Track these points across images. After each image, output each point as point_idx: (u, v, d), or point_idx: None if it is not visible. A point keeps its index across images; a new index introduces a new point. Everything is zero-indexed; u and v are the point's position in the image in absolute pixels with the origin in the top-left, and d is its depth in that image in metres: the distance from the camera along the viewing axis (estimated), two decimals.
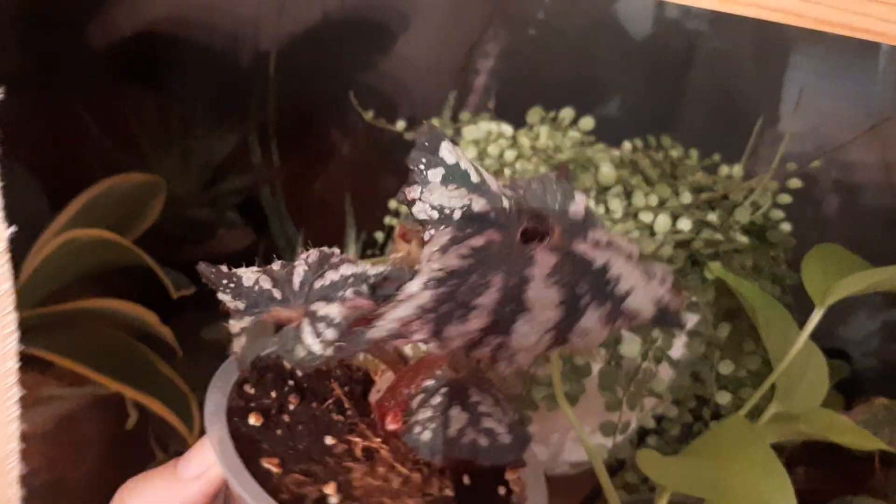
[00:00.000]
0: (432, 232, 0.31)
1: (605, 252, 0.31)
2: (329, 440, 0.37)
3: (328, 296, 0.33)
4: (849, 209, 0.92)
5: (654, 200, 0.62)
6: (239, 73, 0.91)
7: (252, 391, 0.38)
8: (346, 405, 0.39)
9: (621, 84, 0.95)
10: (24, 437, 0.72)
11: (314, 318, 0.33)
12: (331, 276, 0.34)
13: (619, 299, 0.30)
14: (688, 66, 0.94)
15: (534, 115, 0.74)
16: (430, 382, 0.35)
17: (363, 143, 0.90)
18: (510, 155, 0.68)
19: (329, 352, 0.32)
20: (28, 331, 0.71)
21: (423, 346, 0.32)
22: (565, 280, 0.30)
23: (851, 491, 0.73)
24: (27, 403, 0.72)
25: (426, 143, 0.33)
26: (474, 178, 0.33)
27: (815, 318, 0.58)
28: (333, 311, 0.33)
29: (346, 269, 0.34)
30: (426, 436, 0.33)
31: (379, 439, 0.37)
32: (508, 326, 0.29)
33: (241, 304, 0.34)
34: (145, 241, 0.75)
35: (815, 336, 0.61)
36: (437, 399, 0.35)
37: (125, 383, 0.68)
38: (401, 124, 0.72)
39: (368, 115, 0.72)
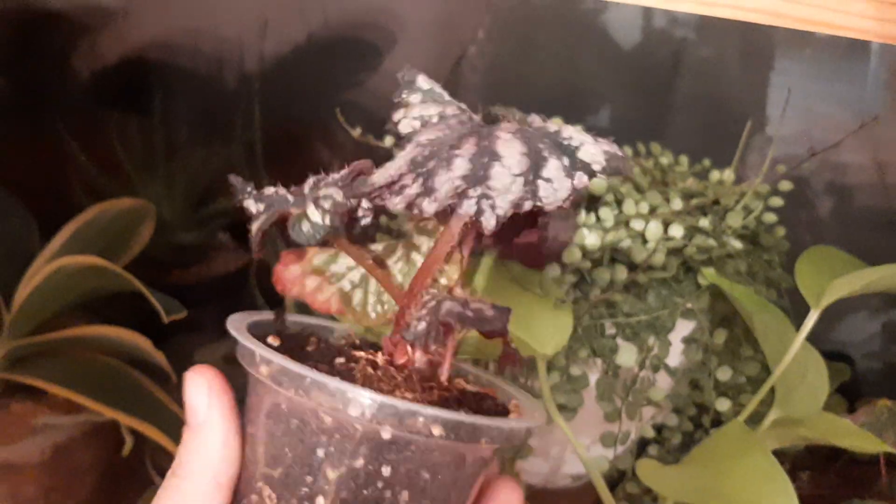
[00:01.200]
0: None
1: (557, 125, 0.37)
2: (339, 360, 0.39)
3: (327, 185, 0.38)
4: (842, 211, 0.92)
5: (644, 208, 0.62)
6: (224, 94, 0.91)
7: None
8: (357, 342, 0.43)
9: (609, 93, 0.95)
10: (20, 467, 0.71)
11: (317, 200, 0.38)
12: (334, 177, 0.39)
13: (573, 151, 0.35)
14: (675, 74, 0.94)
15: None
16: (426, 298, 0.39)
17: (351, 160, 0.90)
18: None
19: (329, 220, 0.37)
20: (21, 360, 0.71)
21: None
22: (527, 136, 0.35)
23: (857, 495, 0.72)
24: (22, 433, 0.72)
25: (406, 78, 0.39)
26: (447, 98, 0.39)
27: (811, 320, 0.57)
28: (332, 190, 0.38)
29: (334, 177, 0.39)
30: (421, 326, 0.37)
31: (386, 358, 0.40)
32: (487, 173, 0.34)
33: (261, 206, 0.38)
34: (136, 267, 0.75)
35: (815, 339, 0.61)
36: (430, 303, 0.38)
37: (120, 410, 0.67)
38: (389, 140, 0.71)
39: (356, 132, 0.72)
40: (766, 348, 0.60)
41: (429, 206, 0.34)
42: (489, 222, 0.34)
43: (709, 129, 0.92)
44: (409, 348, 0.39)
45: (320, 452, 0.35)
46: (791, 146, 0.73)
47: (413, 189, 0.35)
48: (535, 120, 0.38)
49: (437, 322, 0.37)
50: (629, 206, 0.62)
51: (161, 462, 0.75)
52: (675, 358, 0.63)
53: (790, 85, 0.89)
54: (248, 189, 0.40)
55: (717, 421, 0.65)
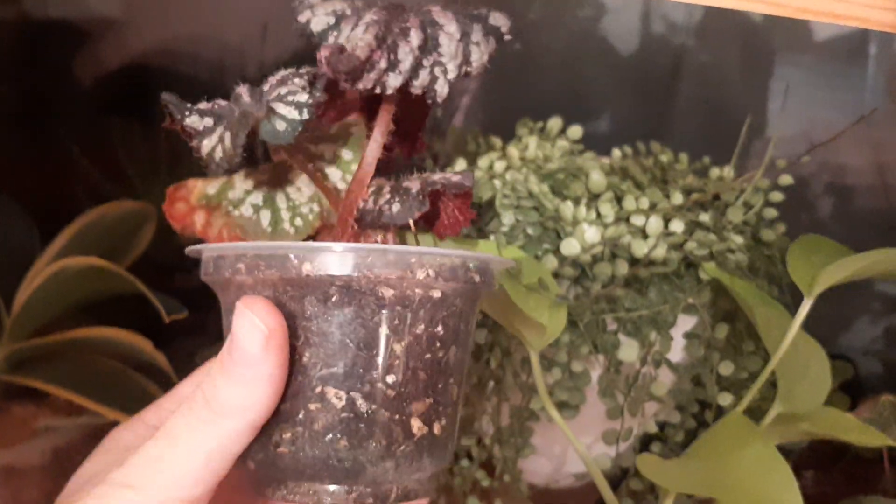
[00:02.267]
0: (336, 32, 0.38)
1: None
2: None
3: (283, 84, 0.39)
4: (841, 213, 0.92)
5: (645, 203, 0.62)
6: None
7: None
8: None
9: (608, 96, 0.95)
10: (21, 471, 0.71)
11: (281, 97, 0.38)
12: (272, 80, 0.40)
13: (485, 18, 0.39)
14: (674, 76, 0.94)
15: (522, 126, 0.74)
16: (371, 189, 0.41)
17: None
18: (499, 166, 0.68)
19: (306, 114, 0.37)
20: (22, 362, 0.71)
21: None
22: (451, 8, 0.38)
23: (861, 493, 0.72)
24: (23, 436, 0.72)
25: None
26: None
27: (805, 308, 0.57)
28: (294, 85, 0.39)
29: (281, 72, 0.40)
30: (395, 207, 0.39)
31: None
32: (437, 41, 0.37)
33: (209, 120, 0.38)
34: (137, 270, 0.75)
35: (817, 340, 0.61)
36: (386, 190, 0.40)
37: (121, 411, 0.67)
38: None
39: None
40: (768, 342, 0.60)
41: (394, 81, 0.37)
42: (443, 90, 0.37)
43: (708, 134, 0.92)
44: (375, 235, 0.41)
45: (384, 330, 0.36)
46: (790, 148, 0.73)
47: (382, 64, 0.37)
48: None
49: (421, 194, 0.39)
50: (629, 202, 0.62)
51: None
52: (676, 354, 0.63)
53: (789, 89, 0.89)
54: (187, 106, 0.39)
55: (720, 417, 0.65)
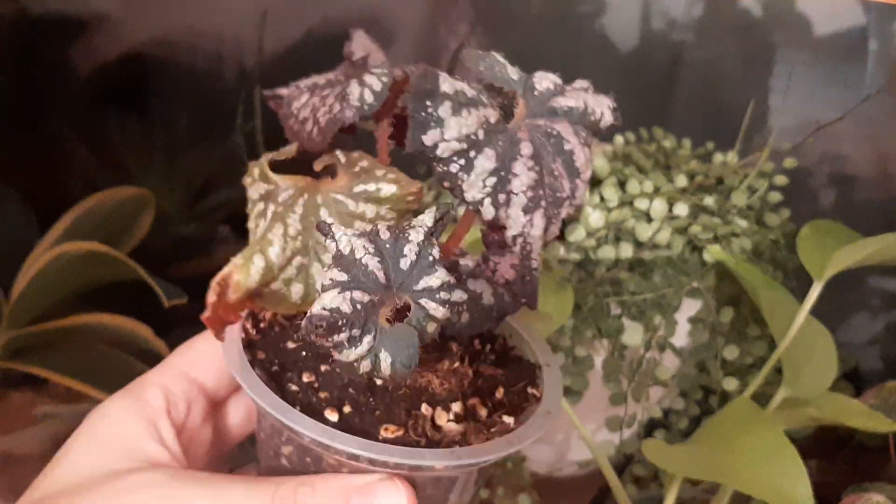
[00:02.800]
0: (462, 162, 0.32)
1: (571, 94, 0.35)
2: (378, 381, 0.36)
3: (424, 268, 0.33)
4: (842, 200, 0.91)
5: (648, 187, 0.61)
6: (223, 89, 0.91)
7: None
8: None
9: (607, 91, 0.94)
10: (20, 458, 0.70)
11: (431, 293, 0.32)
12: (411, 251, 0.33)
13: (598, 124, 0.35)
14: (673, 72, 0.94)
15: None
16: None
17: (352, 149, 0.89)
18: None
19: (452, 311, 0.32)
20: (22, 349, 0.71)
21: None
22: (580, 132, 0.34)
23: (865, 481, 0.71)
24: (22, 423, 0.71)
25: (427, 86, 0.32)
26: (469, 94, 0.32)
27: (815, 292, 0.57)
28: (442, 275, 0.32)
29: (415, 235, 0.33)
30: (465, 318, 0.35)
31: None
32: (575, 193, 0.33)
33: (356, 331, 0.31)
34: (136, 258, 0.74)
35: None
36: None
37: None
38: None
39: None
40: (773, 326, 0.59)
41: (512, 217, 0.32)
42: (552, 234, 0.33)
43: (706, 130, 0.91)
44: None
45: None
46: (791, 139, 0.73)
47: (536, 230, 0.33)
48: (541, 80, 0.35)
49: (490, 310, 0.36)
50: (633, 186, 0.62)
51: None
52: (681, 338, 0.62)
53: (791, 84, 0.89)
54: (322, 319, 0.31)
55: (725, 403, 0.64)
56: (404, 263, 0.32)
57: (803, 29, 0.89)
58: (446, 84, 0.32)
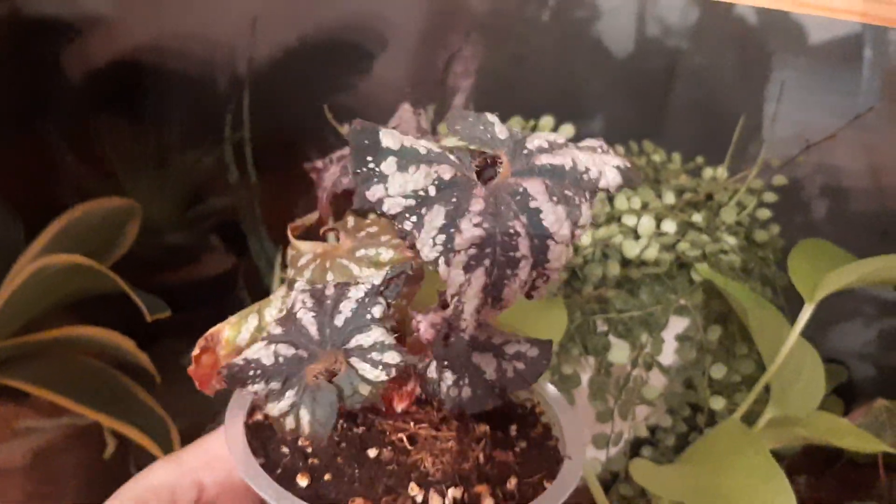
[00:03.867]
0: (414, 219, 0.31)
1: (560, 150, 0.33)
2: (372, 452, 0.35)
3: (359, 326, 0.32)
4: (836, 215, 0.91)
5: (636, 203, 0.61)
6: (214, 96, 0.90)
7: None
8: (356, 415, 0.37)
9: (602, 96, 0.94)
10: (1, 472, 0.70)
11: (363, 352, 0.32)
12: (347, 308, 0.32)
13: (595, 184, 0.32)
14: (669, 78, 0.93)
15: (513, 124, 0.73)
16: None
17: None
18: None
19: (393, 372, 0.31)
20: (3, 362, 0.70)
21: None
22: (558, 190, 0.31)
23: (855, 499, 0.71)
24: (3, 436, 0.71)
25: (365, 141, 0.31)
26: (423, 150, 0.32)
27: (806, 313, 0.56)
28: (377, 334, 0.32)
29: (355, 293, 0.33)
30: (466, 392, 0.34)
31: (412, 424, 0.36)
32: (545, 256, 0.31)
33: (275, 384, 0.32)
34: (124, 267, 0.73)
35: (811, 344, 0.60)
36: (451, 360, 0.35)
37: (103, 412, 0.66)
38: None
39: (344, 128, 0.71)
40: (762, 345, 0.59)
41: (493, 313, 0.31)
42: (541, 294, 0.32)
43: (702, 136, 0.91)
44: (410, 387, 0.35)
45: None
46: (785, 150, 0.72)
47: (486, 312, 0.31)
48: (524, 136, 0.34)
49: (493, 386, 0.34)
50: (621, 202, 0.61)
51: (144, 465, 0.73)
52: (668, 356, 0.62)
53: (784, 91, 0.89)
54: (245, 370, 0.32)
55: (712, 422, 0.64)
56: (339, 320, 0.32)
57: (798, 36, 0.89)
58: (389, 139, 0.31)
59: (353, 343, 0.32)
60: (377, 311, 0.32)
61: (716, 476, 0.53)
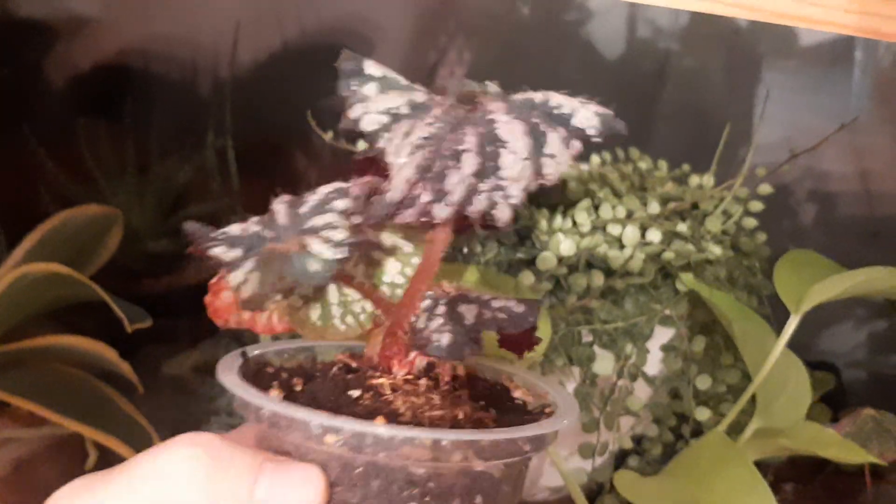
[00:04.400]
0: (387, 136, 0.33)
1: (539, 92, 0.35)
2: (354, 392, 0.36)
3: (320, 212, 0.35)
4: (824, 220, 0.91)
5: (621, 212, 0.60)
6: (197, 101, 0.90)
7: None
8: (353, 364, 0.39)
9: (594, 94, 0.93)
10: None
11: (315, 231, 0.34)
12: (313, 199, 0.35)
13: (567, 119, 0.33)
14: (658, 81, 0.93)
15: None
16: (426, 303, 0.37)
17: (327, 166, 0.88)
18: None
19: (341, 253, 0.33)
20: None
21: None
22: (523, 113, 0.33)
23: None
24: None
25: (352, 67, 0.34)
26: (403, 82, 0.35)
27: (791, 325, 0.56)
28: (331, 217, 0.34)
29: (325, 189, 0.35)
30: (446, 339, 0.35)
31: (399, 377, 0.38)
32: (497, 162, 0.32)
33: (238, 252, 0.34)
34: (105, 275, 0.73)
35: (799, 348, 0.60)
36: (440, 310, 0.36)
37: (84, 422, 0.65)
38: (361, 144, 0.70)
39: (328, 135, 0.70)
40: (747, 356, 0.58)
41: (441, 212, 0.32)
42: (504, 214, 0.32)
43: (691, 140, 0.91)
44: (412, 357, 0.37)
45: None
46: (774, 154, 0.72)
47: (425, 197, 0.32)
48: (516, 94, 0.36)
49: (470, 330, 0.35)
50: (606, 211, 0.61)
51: None
52: (653, 366, 0.61)
53: (773, 95, 0.89)
54: (212, 234, 0.35)
55: (698, 431, 0.64)
56: (304, 209, 0.35)
57: (788, 38, 0.89)
58: (372, 68, 0.34)
59: (308, 224, 0.34)
60: (340, 204, 0.35)
61: (699, 488, 0.53)
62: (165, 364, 0.74)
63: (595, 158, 0.72)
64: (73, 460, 0.71)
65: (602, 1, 0.92)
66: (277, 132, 0.88)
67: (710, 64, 0.94)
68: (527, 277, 0.58)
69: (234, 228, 0.35)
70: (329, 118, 0.75)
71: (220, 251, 0.34)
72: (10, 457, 0.70)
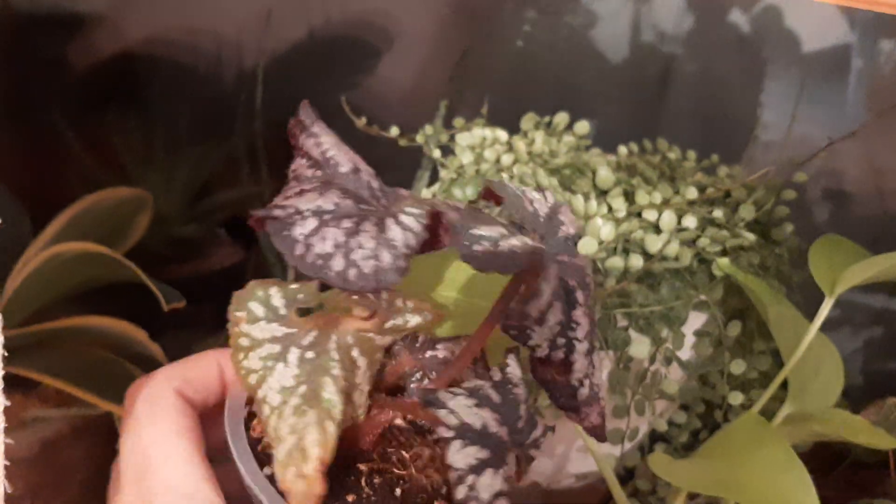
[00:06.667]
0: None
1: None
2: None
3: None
4: (838, 216, 0.92)
5: (657, 198, 0.61)
6: (225, 89, 0.90)
7: None
8: None
9: (597, 103, 0.94)
10: (7, 463, 0.69)
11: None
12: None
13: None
14: (663, 85, 0.94)
15: (528, 121, 0.73)
16: None
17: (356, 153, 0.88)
18: (507, 159, 0.67)
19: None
20: (12, 350, 0.69)
21: None
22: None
23: (862, 497, 0.71)
24: (11, 427, 0.70)
25: None
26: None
27: (826, 307, 0.57)
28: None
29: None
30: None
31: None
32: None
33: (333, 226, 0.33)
34: (131, 259, 0.73)
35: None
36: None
37: (113, 402, 0.65)
38: (394, 130, 0.70)
39: (361, 121, 0.71)
40: (781, 341, 0.59)
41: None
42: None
43: (697, 143, 0.91)
44: None
45: None
46: (779, 151, 0.72)
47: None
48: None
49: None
50: (641, 197, 0.61)
51: None
52: (686, 352, 0.62)
53: (777, 101, 0.90)
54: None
55: (727, 418, 0.64)
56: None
57: (791, 45, 0.90)
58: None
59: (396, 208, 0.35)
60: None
61: (735, 468, 0.53)
62: (194, 346, 0.74)
63: (622, 149, 0.73)
64: (100, 441, 0.71)
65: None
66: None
67: (714, 69, 0.95)
68: None
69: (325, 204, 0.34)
70: (359, 110, 0.75)
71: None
72: (37, 437, 0.69)
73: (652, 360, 0.60)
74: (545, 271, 0.32)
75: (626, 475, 0.67)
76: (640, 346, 0.59)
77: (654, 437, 0.66)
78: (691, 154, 0.71)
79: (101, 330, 0.69)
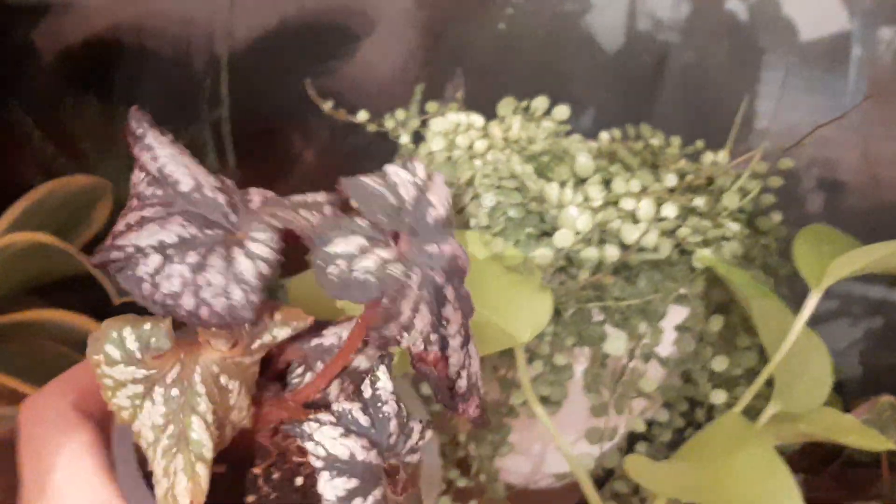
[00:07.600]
0: None
1: None
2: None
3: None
4: (830, 204, 0.89)
5: (635, 186, 0.58)
6: (190, 75, 0.87)
7: None
8: None
9: (590, 91, 0.92)
10: None
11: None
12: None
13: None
14: (658, 73, 0.91)
15: (505, 105, 0.70)
16: None
17: (323, 145, 0.86)
18: (481, 145, 0.64)
19: None
20: None
21: None
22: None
23: (853, 498, 0.69)
24: None
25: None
26: None
27: (812, 302, 0.54)
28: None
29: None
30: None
31: None
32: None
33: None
34: (92, 249, 0.70)
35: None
36: None
37: None
38: (362, 114, 0.67)
39: (326, 105, 0.68)
40: (765, 336, 0.56)
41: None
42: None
43: (690, 132, 0.89)
44: None
45: None
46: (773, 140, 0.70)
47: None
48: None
49: None
50: (619, 185, 0.58)
51: None
52: (666, 348, 0.59)
53: (773, 88, 0.87)
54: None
55: (711, 416, 0.61)
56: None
57: (789, 33, 0.87)
58: None
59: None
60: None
61: (716, 472, 0.50)
62: None
63: (604, 135, 0.70)
64: None
65: None
66: (275, 109, 0.85)
67: (710, 56, 0.92)
68: (543, 256, 0.55)
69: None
70: (329, 95, 0.72)
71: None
72: None
73: (630, 356, 0.57)
74: (402, 290, 0.31)
75: (606, 476, 0.64)
76: (616, 342, 0.56)
77: (636, 437, 0.64)
78: (675, 140, 0.68)
79: (56, 324, 0.66)
